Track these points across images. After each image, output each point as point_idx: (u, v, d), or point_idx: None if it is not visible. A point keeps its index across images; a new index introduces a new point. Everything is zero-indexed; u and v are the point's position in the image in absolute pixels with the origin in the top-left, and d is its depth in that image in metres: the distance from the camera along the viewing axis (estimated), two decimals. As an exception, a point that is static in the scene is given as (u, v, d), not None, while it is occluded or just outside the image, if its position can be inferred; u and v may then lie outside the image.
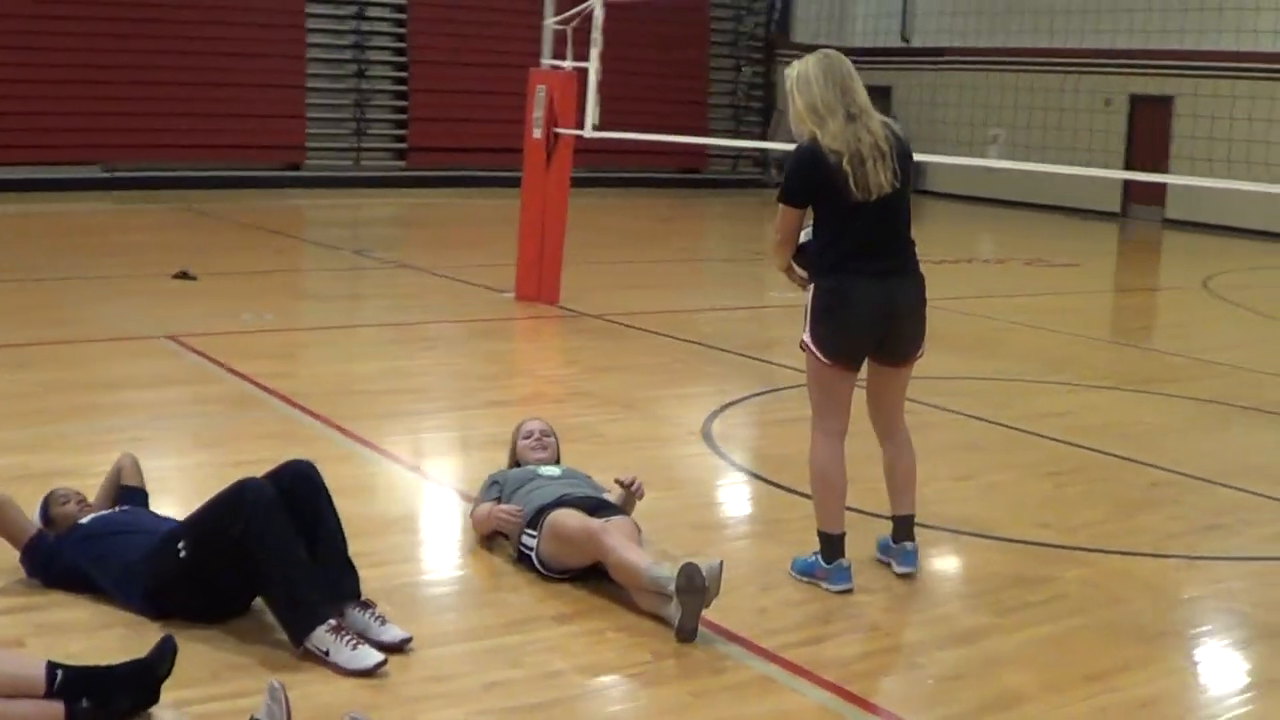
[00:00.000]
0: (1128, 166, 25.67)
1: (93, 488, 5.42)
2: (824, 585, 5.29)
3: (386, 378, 8.90)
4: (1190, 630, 5.22)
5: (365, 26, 25.05)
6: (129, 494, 5.30)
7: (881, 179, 5.13)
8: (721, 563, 4.80)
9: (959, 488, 6.94)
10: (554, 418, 6.42)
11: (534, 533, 5.30)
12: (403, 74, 25.56)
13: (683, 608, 4.73)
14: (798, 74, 5.23)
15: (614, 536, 5.10)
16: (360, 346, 10.02)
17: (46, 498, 5.12)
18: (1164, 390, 9.59)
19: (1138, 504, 6.86)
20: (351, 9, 24.87)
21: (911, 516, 5.57)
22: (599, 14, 11.20)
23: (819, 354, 5.24)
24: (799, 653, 4.73)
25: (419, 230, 20.45)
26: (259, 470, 4.77)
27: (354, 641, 4.37)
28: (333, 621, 4.41)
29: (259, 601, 4.66)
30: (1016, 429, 8.16)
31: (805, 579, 5.35)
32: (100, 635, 4.53)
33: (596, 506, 5.43)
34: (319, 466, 4.85)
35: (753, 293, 14.18)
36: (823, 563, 5.35)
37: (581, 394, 8.56)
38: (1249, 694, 4.64)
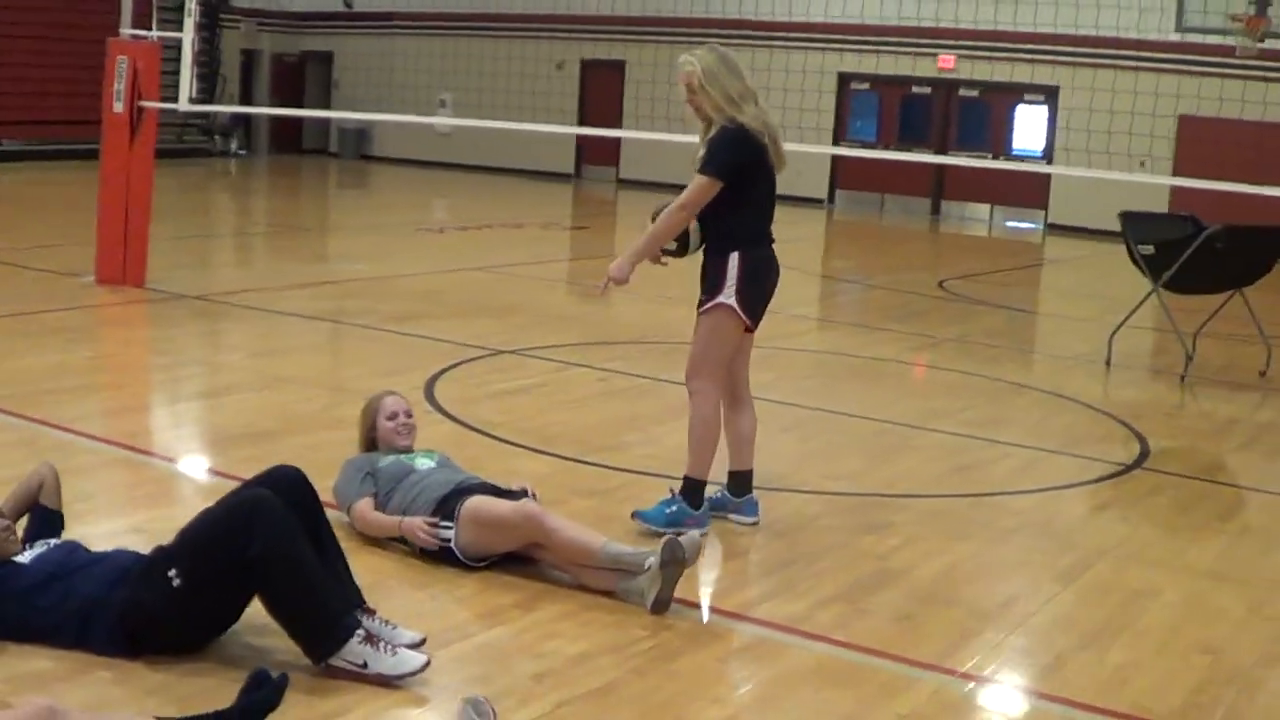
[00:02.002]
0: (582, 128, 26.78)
1: None
2: (694, 531, 5.38)
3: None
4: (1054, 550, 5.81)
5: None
6: (45, 519, 4.63)
7: (783, 157, 5.57)
8: (702, 534, 4.88)
9: (720, 445, 7.19)
10: (270, 407, 6.13)
11: (449, 524, 5.13)
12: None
13: (663, 579, 4.77)
14: (703, 69, 5.49)
15: (553, 518, 5.05)
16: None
17: None
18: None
19: (888, 452, 7.44)
20: None
21: (752, 471, 5.89)
22: (194, -20, 10.55)
23: (743, 315, 5.56)
24: (769, 611, 4.89)
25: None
26: None
27: (390, 647, 4.12)
28: (362, 632, 4.13)
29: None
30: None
31: (671, 529, 5.37)
32: (84, 681, 3.98)
33: (501, 492, 5.33)
34: None
35: (319, 268, 13.81)
36: (691, 509, 5.61)
37: (281, 380, 8.12)
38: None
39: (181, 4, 10.70)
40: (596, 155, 27.71)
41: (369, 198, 23.74)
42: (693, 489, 5.67)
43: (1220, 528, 6.47)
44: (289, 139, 29.99)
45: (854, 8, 23.68)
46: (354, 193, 24.91)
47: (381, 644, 4.10)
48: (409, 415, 5.65)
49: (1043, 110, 24.31)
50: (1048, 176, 23.71)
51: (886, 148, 24.77)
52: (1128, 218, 10.41)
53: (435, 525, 5.08)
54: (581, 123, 26.85)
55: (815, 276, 15.52)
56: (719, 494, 5.90)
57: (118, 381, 8.18)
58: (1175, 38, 21.58)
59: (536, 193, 24.60)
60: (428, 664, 4.11)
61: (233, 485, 5.85)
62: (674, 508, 5.62)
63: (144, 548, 4.60)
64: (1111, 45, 22.20)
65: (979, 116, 25.11)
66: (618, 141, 26.90)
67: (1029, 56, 23.41)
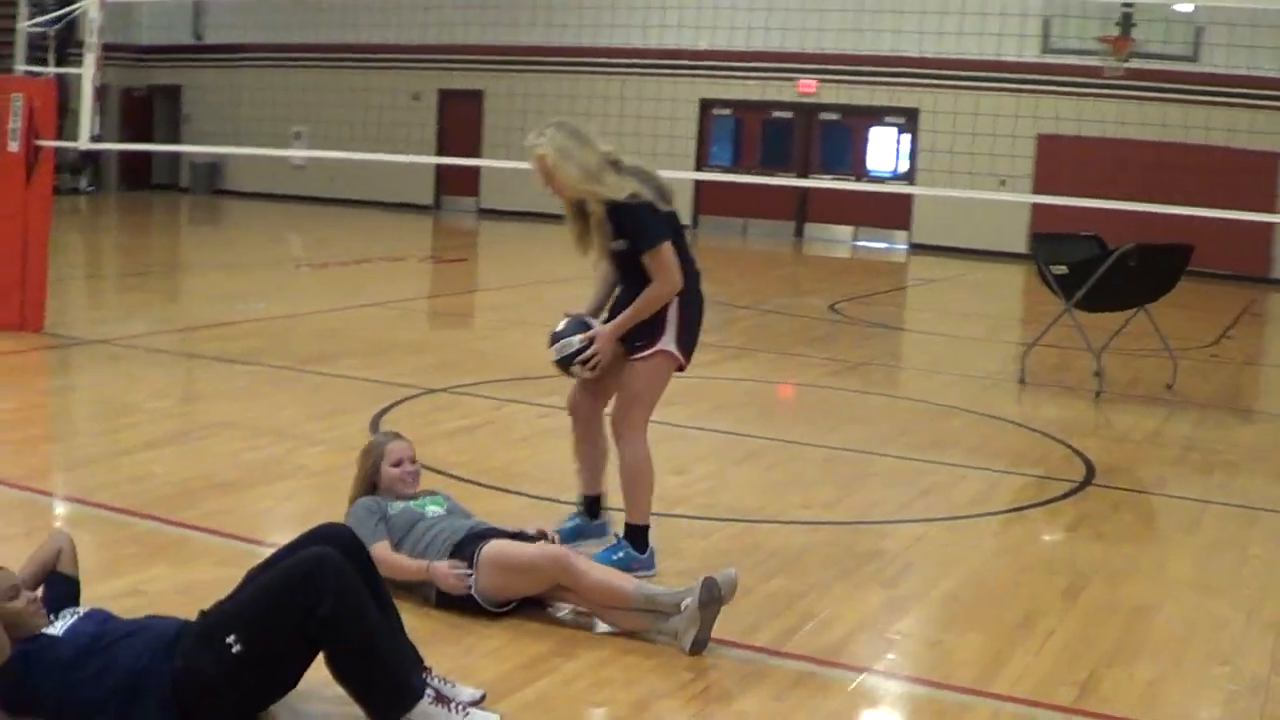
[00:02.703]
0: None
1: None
2: (642, 574, 5.38)
3: None
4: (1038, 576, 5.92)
5: None
6: (64, 587, 4.42)
7: (671, 194, 5.54)
8: (736, 572, 4.86)
9: (688, 480, 7.20)
10: (221, 456, 5.99)
11: (468, 570, 5.04)
12: None
13: (701, 620, 4.75)
14: (554, 149, 5.34)
15: (582, 559, 5.00)
16: None
17: None
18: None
19: (853, 479, 7.51)
20: None
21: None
22: (95, 16, 10.24)
23: (682, 357, 5.55)
24: (803, 645, 4.90)
25: None
26: None
27: (461, 707, 4.03)
28: (431, 692, 4.03)
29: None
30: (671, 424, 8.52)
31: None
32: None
33: (515, 536, 5.26)
34: None
35: (216, 308, 13.45)
36: (638, 554, 5.56)
37: (222, 427, 7.89)
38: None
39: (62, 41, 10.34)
40: (456, 186, 27.56)
41: (237, 234, 23.25)
42: (639, 534, 5.58)
43: (1187, 541, 6.65)
44: (139, 175, 29.32)
45: (715, 35, 24.01)
46: (215, 228, 24.39)
47: (452, 705, 4.01)
48: (414, 462, 5.53)
49: (904, 133, 24.80)
50: (909, 197, 24.22)
51: (749, 172, 25.10)
52: (1038, 239, 10.69)
53: (463, 581, 4.97)
54: (440, 153, 26.71)
55: (709, 302, 15.59)
56: (580, 524, 5.89)
57: (54, 434, 7.89)
58: (1034, 59, 22.20)
59: (398, 225, 24.39)
60: (499, 721, 4.03)
61: (220, 541, 5.76)
62: (620, 554, 5.53)
63: (146, 609, 4.46)
64: (971, 68, 22.78)
65: (840, 140, 25.55)
66: (477, 171, 26.82)
67: (889, 80, 23.91)
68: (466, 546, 5.09)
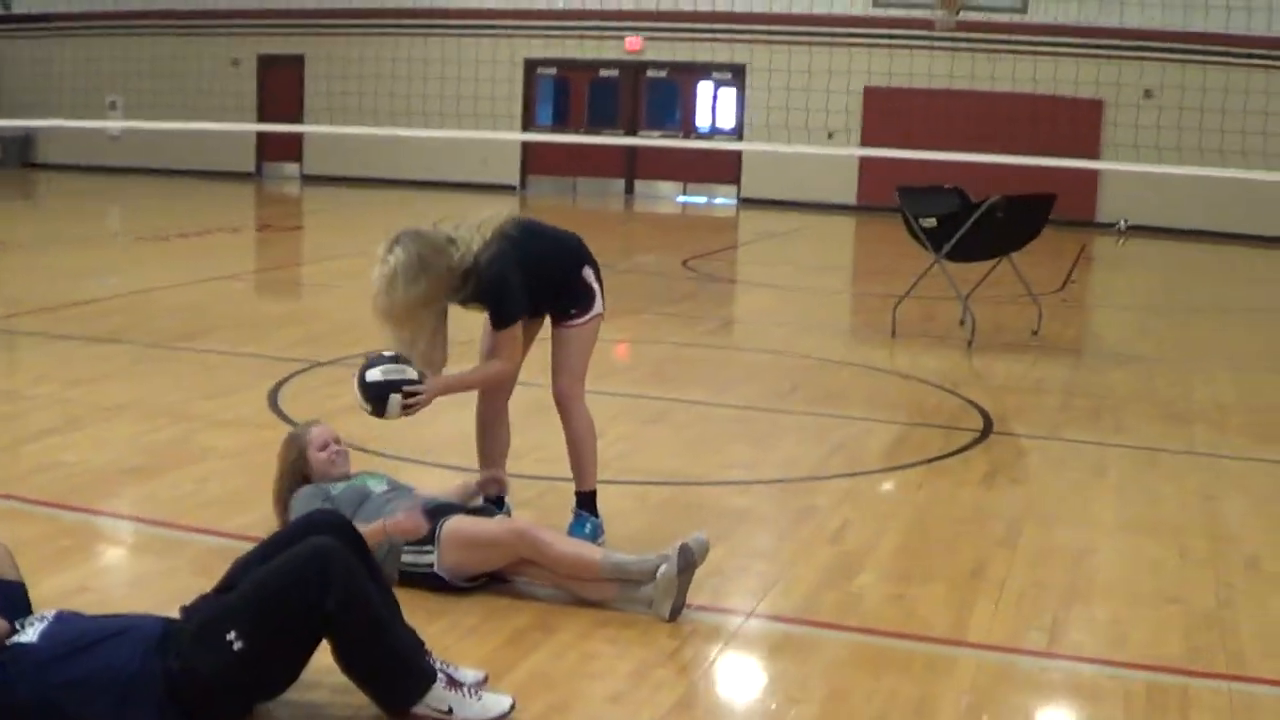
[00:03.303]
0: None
1: None
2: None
3: None
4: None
5: None
6: (10, 593, 4.20)
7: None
8: (706, 537, 4.87)
9: (606, 444, 7.14)
10: (121, 441, 5.86)
11: (429, 547, 4.95)
12: None
13: (678, 586, 4.75)
14: (401, 264, 5.00)
15: (546, 531, 4.96)
16: None
17: None
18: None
19: (765, 437, 7.57)
20: None
21: None
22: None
23: (602, 313, 5.50)
24: (772, 606, 4.94)
25: None
26: None
27: (472, 690, 3.97)
28: (443, 676, 3.96)
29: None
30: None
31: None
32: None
33: (472, 511, 5.19)
34: None
35: (66, 286, 12.88)
36: (597, 519, 5.55)
37: (116, 411, 7.58)
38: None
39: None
40: (278, 152, 26.97)
41: (61, 208, 22.33)
42: (592, 499, 5.57)
43: (1099, 484, 6.86)
44: (-60, 149, 28.05)
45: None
46: (33, 203, 23.43)
47: (464, 688, 3.94)
48: (339, 442, 5.39)
49: (731, 89, 24.98)
50: (738, 153, 24.43)
51: (576, 131, 25.04)
52: (904, 192, 10.85)
53: (419, 528, 4.78)
54: (261, 119, 26.10)
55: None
56: None
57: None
58: (861, 13, 22.54)
59: (220, 194, 23.75)
60: (514, 706, 3.96)
61: (155, 530, 5.56)
62: (588, 526, 5.50)
63: (103, 606, 4.32)
64: (798, 22, 23.01)
65: (668, 97, 25.63)
66: (300, 137, 26.30)
67: (716, 36, 24.03)
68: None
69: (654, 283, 13.93)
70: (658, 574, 4.76)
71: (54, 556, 5.20)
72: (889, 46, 22.68)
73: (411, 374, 5.09)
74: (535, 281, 5.28)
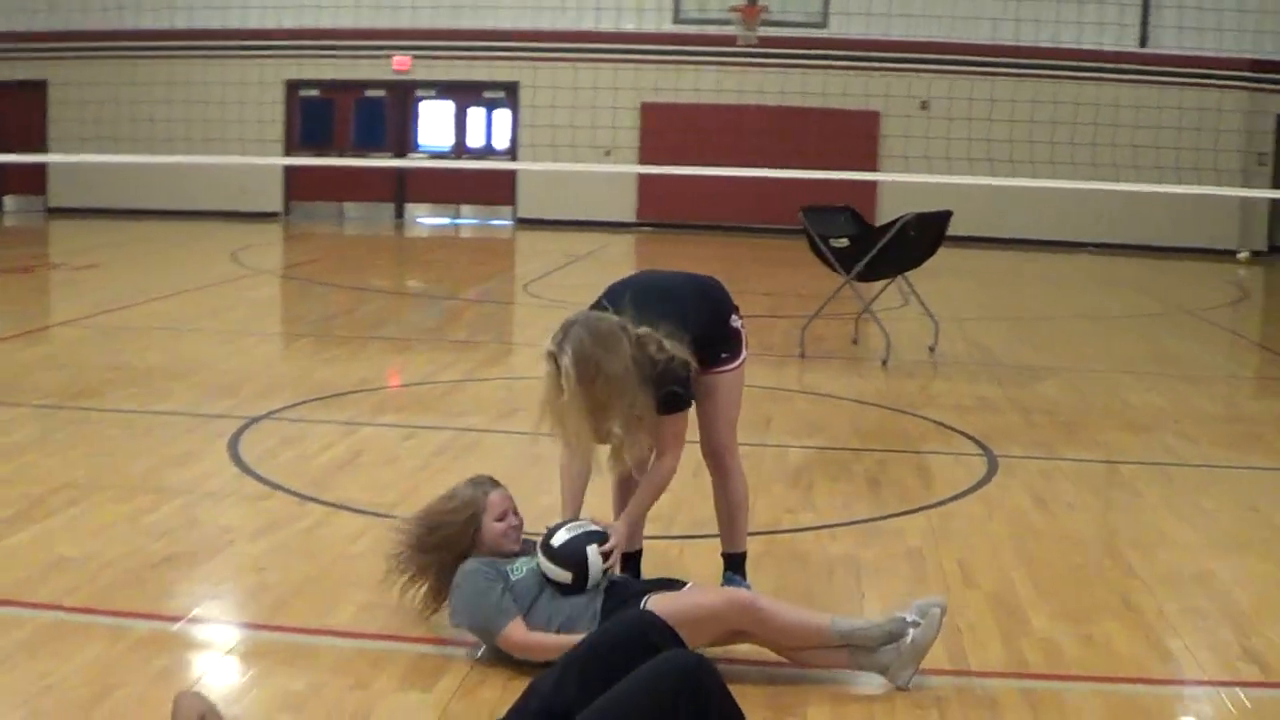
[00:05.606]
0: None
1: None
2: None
3: None
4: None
5: None
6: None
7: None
8: (944, 599, 4.69)
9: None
10: (120, 525, 5.65)
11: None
12: None
13: (915, 652, 4.56)
14: (582, 358, 4.64)
15: (767, 600, 4.69)
16: None
17: None
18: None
19: (787, 476, 7.42)
20: None
21: None
22: None
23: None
24: (982, 659, 4.79)
25: None
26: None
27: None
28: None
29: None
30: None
31: None
32: None
33: (655, 586, 4.84)
34: None
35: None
36: (746, 580, 5.31)
37: (88, 489, 6.72)
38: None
39: None
40: (18, 184, 25.29)
41: None
42: (743, 561, 5.35)
43: (1142, 504, 6.95)
44: None
45: (300, 14, 23.10)
46: None
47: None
48: (517, 513, 4.99)
49: (504, 109, 24.69)
50: (514, 173, 24.14)
51: (342, 154, 24.37)
52: (808, 212, 10.84)
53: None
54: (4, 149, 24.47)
55: (387, 295, 15.04)
56: None
57: None
58: (632, 29, 22.59)
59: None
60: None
61: (272, 636, 4.93)
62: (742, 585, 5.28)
63: None
64: (570, 39, 22.92)
65: (438, 117, 25.16)
66: (43, 168, 24.78)
67: (487, 55, 23.72)
68: (621, 608, 4.61)
69: (517, 312, 13.56)
70: (907, 640, 4.52)
71: (159, 679, 4.53)
72: (676, 63, 22.79)
73: (590, 525, 4.76)
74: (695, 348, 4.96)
